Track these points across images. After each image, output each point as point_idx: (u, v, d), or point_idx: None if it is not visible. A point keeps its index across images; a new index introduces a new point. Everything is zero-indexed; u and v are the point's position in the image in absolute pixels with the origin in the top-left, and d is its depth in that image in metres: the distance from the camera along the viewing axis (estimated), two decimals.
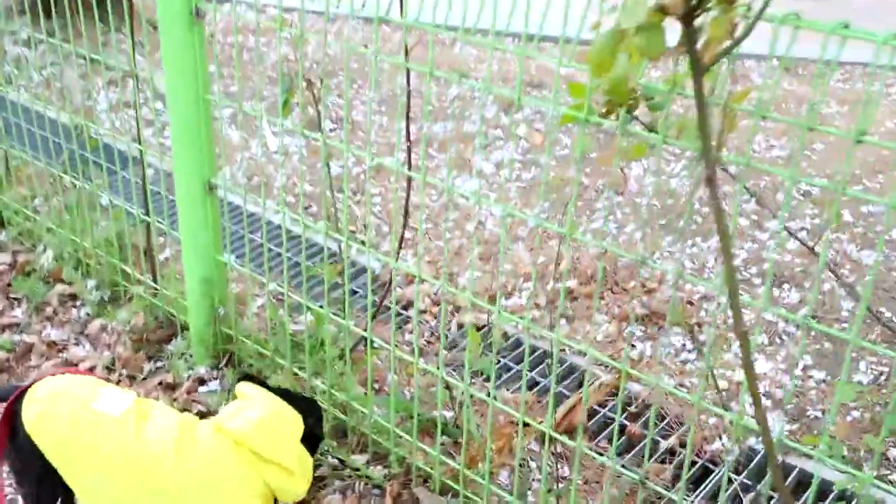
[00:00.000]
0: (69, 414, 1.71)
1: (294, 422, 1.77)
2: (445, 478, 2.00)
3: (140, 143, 2.43)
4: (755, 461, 2.22)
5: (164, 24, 2.04)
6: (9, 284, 2.77)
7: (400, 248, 2.16)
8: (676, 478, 2.05)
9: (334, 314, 2.09)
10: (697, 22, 1.10)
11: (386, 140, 4.01)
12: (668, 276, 3.01)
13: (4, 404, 1.75)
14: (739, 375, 2.54)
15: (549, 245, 3.15)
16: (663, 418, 2.35)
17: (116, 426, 1.70)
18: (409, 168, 1.89)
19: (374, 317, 2.10)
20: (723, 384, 2.54)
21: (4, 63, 3.84)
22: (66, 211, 2.77)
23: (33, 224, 2.89)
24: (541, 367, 2.54)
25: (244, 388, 1.81)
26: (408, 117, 1.93)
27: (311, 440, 1.87)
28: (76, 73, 3.60)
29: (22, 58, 4.29)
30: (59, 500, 1.79)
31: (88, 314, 2.67)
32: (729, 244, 1.23)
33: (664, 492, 1.70)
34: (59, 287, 2.76)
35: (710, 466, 2.21)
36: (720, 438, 2.37)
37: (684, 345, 2.72)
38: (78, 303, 2.72)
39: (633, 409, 2.39)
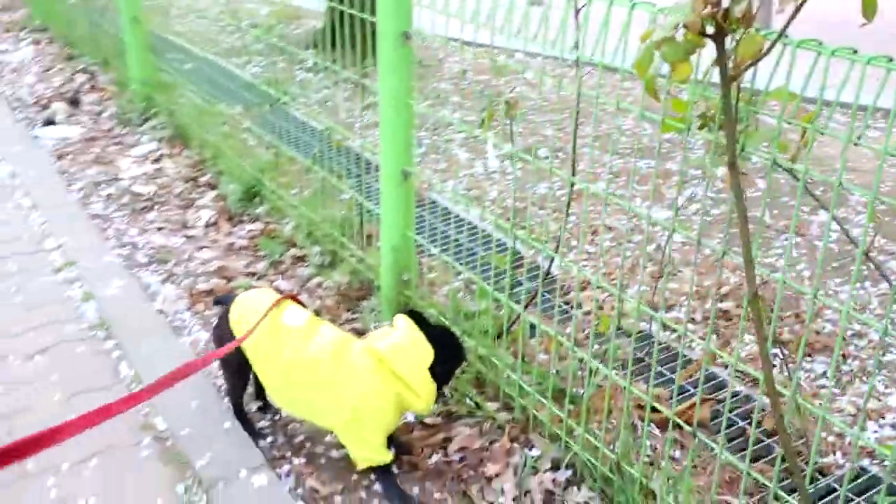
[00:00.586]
0: (259, 318, 2.38)
1: (425, 353, 2.31)
2: (556, 428, 2.44)
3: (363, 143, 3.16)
4: (863, 478, 2.41)
5: (380, 42, 2.73)
6: (257, 245, 3.64)
7: (558, 247, 2.64)
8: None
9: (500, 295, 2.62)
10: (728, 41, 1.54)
11: (593, 170, 4.50)
12: (827, 309, 3.22)
13: (230, 304, 2.48)
14: (869, 405, 2.73)
15: (719, 272, 3.45)
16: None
17: (294, 334, 2.35)
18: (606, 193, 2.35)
19: (530, 302, 2.61)
20: (850, 409, 2.74)
21: (293, 84, 4.91)
22: (308, 194, 3.60)
23: (283, 202, 3.76)
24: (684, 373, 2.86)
25: (398, 318, 2.40)
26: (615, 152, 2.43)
27: (445, 373, 2.41)
28: (343, 95, 4.53)
29: (306, 81, 5.37)
30: (243, 380, 2.48)
31: (311, 273, 3.44)
32: (746, 227, 1.62)
33: (766, 482, 1.95)
34: (293, 250, 3.58)
35: (818, 476, 2.42)
36: (834, 454, 2.58)
37: (824, 373, 2.92)
38: (305, 263, 3.51)
39: (757, 416, 2.64)
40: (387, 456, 2.34)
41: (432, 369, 2.31)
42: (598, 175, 4.37)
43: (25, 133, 4.93)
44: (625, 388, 2.18)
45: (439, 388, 2.39)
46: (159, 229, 3.88)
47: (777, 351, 2.92)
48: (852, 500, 2.32)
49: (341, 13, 2.97)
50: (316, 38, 6.34)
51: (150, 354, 2.86)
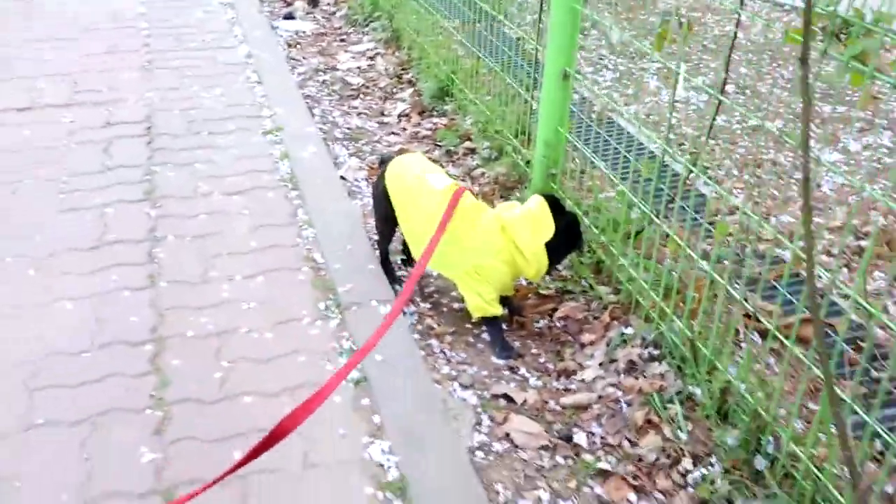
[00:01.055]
0: (411, 176, 2.85)
1: (544, 230, 2.68)
2: (653, 312, 2.74)
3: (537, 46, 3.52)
4: None
5: None
6: (438, 136, 4.14)
7: (696, 161, 2.88)
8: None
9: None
10: None
11: (776, 109, 4.57)
12: None
13: (389, 162, 2.97)
14: None
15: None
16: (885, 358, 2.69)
17: (437, 194, 2.80)
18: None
19: (666, 211, 2.87)
20: None
21: (512, 4, 5.29)
22: (484, 92, 4.02)
23: (468, 102, 4.22)
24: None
25: (533, 197, 2.78)
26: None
27: (560, 253, 2.77)
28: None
29: (524, 3, 5.73)
30: (390, 228, 2.97)
31: (477, 164, 3.89)
32: (809, 111, 1.84)
33: (845, 397, 1.98)
34: (467, 143, 4.04)
35: None
36: None
37: None
38: (474, 155, 3.96)
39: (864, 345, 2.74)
40: (497, 310, 2.76)
41: (549, 245, 2.68)
42: (780, 114, 4.44)
43: (267, 24, 5.71)
44: (726, 288, 2.42)
45: (552, 265, 2.76)
46: (359, 114, 4.47)
47: None
48: None
49: None
50: None
51: (325, 207, 3.44)
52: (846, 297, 3.13)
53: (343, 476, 2.23)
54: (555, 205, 2.71)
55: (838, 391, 1.94)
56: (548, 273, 2.80)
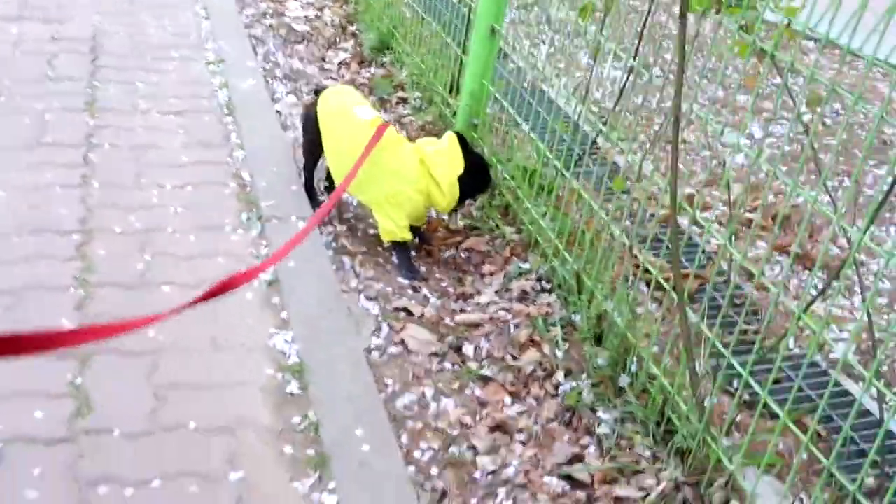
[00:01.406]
0: (338, 106, 3.07)
1: (457, 164, 2.93)
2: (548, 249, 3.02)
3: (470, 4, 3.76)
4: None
5: None
6: (374, 84, 4.35)
7: (606, 121, 3.14)
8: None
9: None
10: None
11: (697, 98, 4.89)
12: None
13: (322, 93, 3.17)
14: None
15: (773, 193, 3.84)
16: (756, 313, 2.98)
17: (361, 125, 3.01)
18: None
19: (574, 165, 3.12)
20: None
21: None
22: (421, 48, 4.25)
23: (405, 55, 4.44)
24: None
25: (447, 135, 3.02)
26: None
27: (469, 189, 3.02)
28: None
29: None
30: (316, 154, 3.18)
31: (408, 112, 4.12)
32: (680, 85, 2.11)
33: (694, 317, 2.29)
34: (400, 93, 4.27)
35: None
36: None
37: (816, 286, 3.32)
38: (405, 104, 4.19)
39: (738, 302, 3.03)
40: (407, 235, 3.00)
41: (460, 180, 2.93)
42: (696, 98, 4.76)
43: None
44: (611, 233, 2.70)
45: (462, 199, 3.01)
46: (301, 59, 4.65)
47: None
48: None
49: None
50: None
51: (257, 134, 3.64)
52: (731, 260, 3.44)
53: (247, 358, 2.45)
54: (463, 143, 2.96)
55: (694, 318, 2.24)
56: (457, 207, 3.04)
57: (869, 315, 2.04)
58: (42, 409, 2.17)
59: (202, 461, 2.10)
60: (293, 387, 2.38)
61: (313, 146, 3.16)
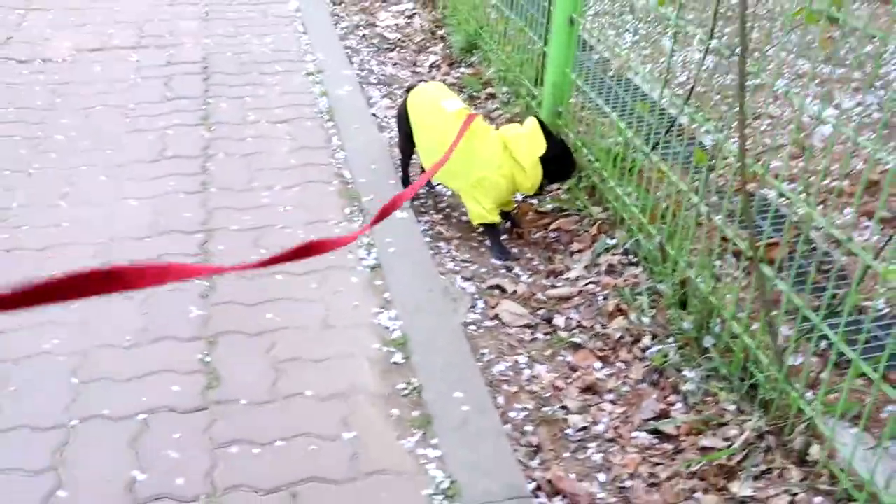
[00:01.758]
0: (427, 100, 3.31)
1: (538, 145, 3.11)
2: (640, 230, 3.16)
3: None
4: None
5: None
6: (463, 83, 4.57)
7: (688, 98, 3.28)
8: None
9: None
10: None
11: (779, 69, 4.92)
12: None
13: (412, 90, 3.42)
14: None
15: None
16: (844, 278, 3.04)
17: (449, 116, 3.24)
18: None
19: (655, 146, 3.27)
20: None
21: None
22: (507, 45, 4.45)
23: (492, 53, 4.64)
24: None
25: (528, 120, 3.21)
26: None
27: (552, 171, 3.20)
28: None
29: None
30: (410, 148, 3.42)
31: (496, 107, 4.33)
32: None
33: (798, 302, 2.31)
34: (489, 89, 4.48)
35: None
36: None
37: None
38: (494, 99, 4.40)
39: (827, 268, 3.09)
40: (496, 218, 3.20)
41: (543, 161, 3.11)
42: (781, 74, 4.80)
43: None
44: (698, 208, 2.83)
45: (547, 181, 3.20)
46: (394, 64, 4.93)
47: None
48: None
49: None
50: None
51: (356, 136, 3.91)
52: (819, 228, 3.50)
53: (355, 334, 2.70)
54: (544, 127, 3.14)
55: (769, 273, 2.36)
56: (541, 189, 3.22)
57: None
58: (178, 385, 2.47)
59: (318, 424, 2.35)
60: (397, 357, 2.61)
61: (407, 138, 3.40)
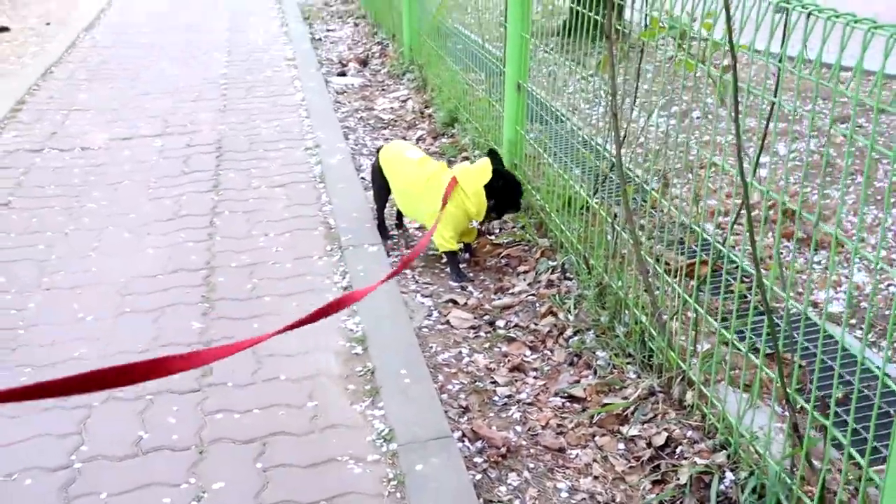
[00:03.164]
0: (395, 152, 4.00)
1: (483, 175, 3.73)
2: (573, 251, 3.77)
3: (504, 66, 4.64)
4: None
5: (510, 3, 4.22)
6: (443, 151, 5.28)
7: (620, 145, 3.95)
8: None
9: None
10: None
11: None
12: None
13: (381, 148, 4.12)
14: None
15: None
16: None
17: (411, 163, 3.93)
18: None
19: (596, 191, 3.92)
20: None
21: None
22: (478, 114, 5.16)
23: (468, 124, 5.35)
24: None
25: (482, 158, 3.87)
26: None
27: (500, 201, 3.83)
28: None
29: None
30: (383, 196, 4.09)
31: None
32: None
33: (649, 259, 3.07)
34: (464, 153, 5.16)
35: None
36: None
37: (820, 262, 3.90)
38: (467, 160, 5.07)
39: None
40: (455, 246, 3.82)
41: (488, 189, 3.73)
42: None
43: (322, 79, 7.03)
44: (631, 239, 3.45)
45: (497, 209, 3.81)
46: (385, 139, 5.66)
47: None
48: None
49: None
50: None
51: (342, 194, 4.59)
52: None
53: (324, 335, 3.30)
54: (495, 159, 3.77)
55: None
56: (491, 215, 3.83)
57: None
58: (179, 376, 3.08)
59: (288, 397, 2.94)
60: (358, 350, 3.20)
61: (380, 189, 4.07)
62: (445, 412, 2.85)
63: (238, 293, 3.61)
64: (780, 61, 2.20)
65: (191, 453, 2.67)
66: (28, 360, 3.16)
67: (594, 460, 2.68)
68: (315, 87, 6.66)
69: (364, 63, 7.60)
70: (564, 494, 2.54)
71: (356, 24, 9.25)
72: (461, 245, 3.86)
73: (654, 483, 2.55)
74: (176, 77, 7.12)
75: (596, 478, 2.60)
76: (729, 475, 2.50)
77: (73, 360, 3.17)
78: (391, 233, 4.21)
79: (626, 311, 3.21)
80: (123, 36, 8.72)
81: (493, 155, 3.81)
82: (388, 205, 4.19)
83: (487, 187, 3.72)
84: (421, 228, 4.15)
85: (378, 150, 4.14)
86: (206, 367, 3.10)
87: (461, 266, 3.86)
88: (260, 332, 3.31)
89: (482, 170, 3.73)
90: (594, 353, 3.16)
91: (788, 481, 2.28)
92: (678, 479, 2.54)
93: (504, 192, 3.84)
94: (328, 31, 9.03)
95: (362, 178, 4.90)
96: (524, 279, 3.76)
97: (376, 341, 3.23)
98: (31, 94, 6.64)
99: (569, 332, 3.32)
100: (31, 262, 3.91)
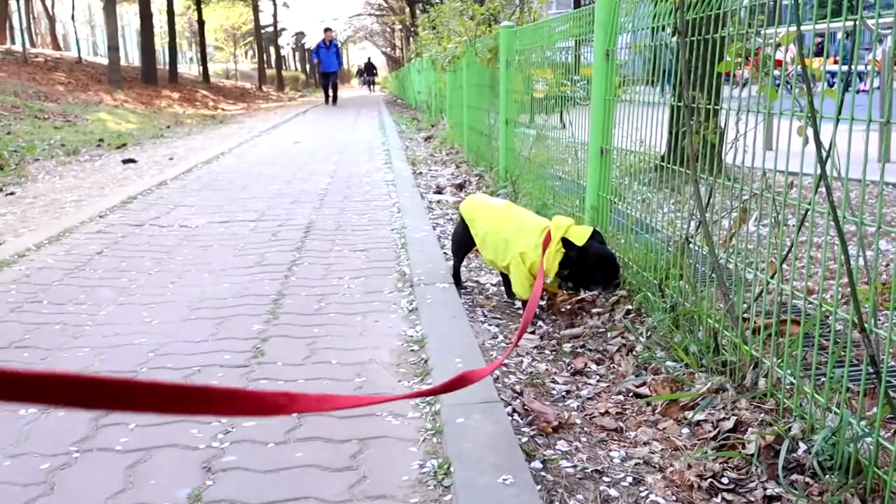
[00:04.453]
0: (479, 202, 4.04)
1: (573, 237, 3.69)
2: (647, 287, 3.68)
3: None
4: None
5: (595, 59, 4.39)
6: None
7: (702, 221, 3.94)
8: None
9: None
10: None
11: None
12: None
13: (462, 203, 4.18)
14: None
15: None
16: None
17: (497, 208, 3.97)
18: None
19: (678, 261, 3.87)
20: None
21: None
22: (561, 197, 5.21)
23: (552, 205, 5.40)
24: None
25: (580, 227, 3.85)
26: None
27: (578, 278, 3.73)
28: None
29: None
30: (469, 246, 4.09)
31: None
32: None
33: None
34: None
35: None
36: None
37: None
38: None
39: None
40: (527, 294, 3.76)
41: (564, 257, 3.66)
42: None
43: (419, 194, 7.28)
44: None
45: (572, 282, 3.67)
46: None
47: None
48: None
49: None
50: None
51: (421, 256, 4.65)
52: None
53: (383, 337, 3.26)
54: (596, 235, 3.55)
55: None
56: (566, 284, 3.68)
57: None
58: (229, 353, 3.08)
59: (335, 375, 2.88)
60: (414, 348, 3.14)
61: (462, 245, 4.07)
62: (497, 394, 2.72)
63: (303, 309, 3.63)
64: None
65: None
66: (88, 344, 3.22)
67: (654, 439, 2.48)
68: (409, 197, 6.88)
69: (461, 187, 7.83)
70: (617, 461, 2.34)
71: (458, 166, 9.62)
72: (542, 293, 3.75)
73: (719, 455, 2.33)
74: (279, 189, 7.49)
75: (653, 452, 2.40)
76: (802, 445, 2.27)
77: (132, 345, 3.20)
78: (465, 283, 4.18)
79: (701, 327, 3.05)
80: (237, 168, 9.31)
81: (596, 233, 3.55)
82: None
83: (565, 255, 3.50)
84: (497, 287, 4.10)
85: (458, 208, 4.17)
86: (259, 350, 3.08)
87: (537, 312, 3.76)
88: (316, 331, 3.29)
89: (574, 232, 3.48)
90: (664, 363, 2.99)
91: (863, 431, 2.05)
92: (745, 449, 2.32)
93: (579, 267, 3.50)
94: (430, 170, 9.41)
95: (444, 252, 4.94)
96: (598, 319, 3.64)
97: (434, 342, 3.15)
98: (143, 195, 7.08)
99: (639, 348, 3.16)
100: (111, 289, 4.04)
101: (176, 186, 7.69)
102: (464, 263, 4.47)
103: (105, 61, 23.94)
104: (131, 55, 47.06)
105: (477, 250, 4.06)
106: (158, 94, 23.48)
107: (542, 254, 3.44)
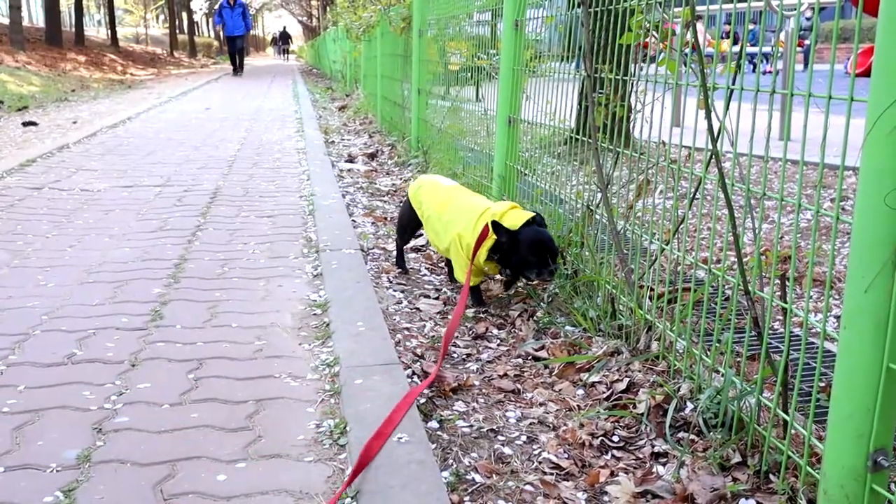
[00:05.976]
0: (427, 183, 3.94)
1: (505, 220, 3.59)
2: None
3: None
4: None
5: (504, 30, 4.39)
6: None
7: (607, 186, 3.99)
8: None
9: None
10: None
11: None
12: None
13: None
14: None
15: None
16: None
17: (445, 189, 3.88)
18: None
19: (583, 231, 3.93)
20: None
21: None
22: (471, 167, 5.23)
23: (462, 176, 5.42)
24: None
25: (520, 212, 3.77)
26: None
27: (510, 264, 3.66)
28: None
29: None
30: (414, 228, 3.97)
31: None
32: None
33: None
34: None
35: None
36: None
37: None
38: None
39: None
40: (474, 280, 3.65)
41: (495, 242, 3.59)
42: None
43: (329, 161, 7.20)
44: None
45: (504, 267, 3.58)
46: (382, 202, 5.72)
47: None
48: None
49: None
50: None
51: (328, 223, 4.60)
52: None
53: (287, 302, 3.22)
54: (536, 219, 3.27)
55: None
56: (504, 272, 3.61)
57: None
58: (126, 316, 3.00)
59: (235, 337, 2.84)
60: (317, 311, 3.11)
61: (409, 225, 3.87)
62: (398, 357, 2.72)
63: (205, 273, 3.56)
64: None
65: (122, 366, 2.55)
66: None
67: (549, 400, 2.52)
68: (320, 165, 6.81)
69: (373, 157, 7.79)
70: (513, 420, 2.38)
71: (371, 136, 9.56)
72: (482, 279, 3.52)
73: (611, 414, 2.38)
74: (186, 155, 7.32)
75: (548, 412, 2.44)
76: (689, 405, 2.34)
77: (24, 308, 3.10)
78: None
79: (600, 293, 3.11)
80: (144, 133, 9.06)
81: (538, 218, 3.27)
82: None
83: (496, 241, 3.24)
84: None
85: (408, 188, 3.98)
86: (158, 314, 3.02)
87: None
88: (216, 295, 3.23)
89: (511, 216, 3.25)
90: (563, 327, 3.04)
91: (746, 389, 2.13)
92: (636, 409, 2.38)
93: (511, 253, 3.22)
94: (343, 139, 9.33)
95: (352, 218, 4.91)
96: (501, 285, 3.68)
97: (337, 306, 3.14)
98: (43, 158, 6.83)
99: (539, 313, 3.21)
100: (5, 251, 3.90)
101: (78, 150, 7.44)
102: (371, 231, 4.46)
103: (6, 21, 22.94)
104: (35, 15, 45.21)
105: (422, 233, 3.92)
106: (63, 57, 22.63)
107: (480, 238, 3.23)
